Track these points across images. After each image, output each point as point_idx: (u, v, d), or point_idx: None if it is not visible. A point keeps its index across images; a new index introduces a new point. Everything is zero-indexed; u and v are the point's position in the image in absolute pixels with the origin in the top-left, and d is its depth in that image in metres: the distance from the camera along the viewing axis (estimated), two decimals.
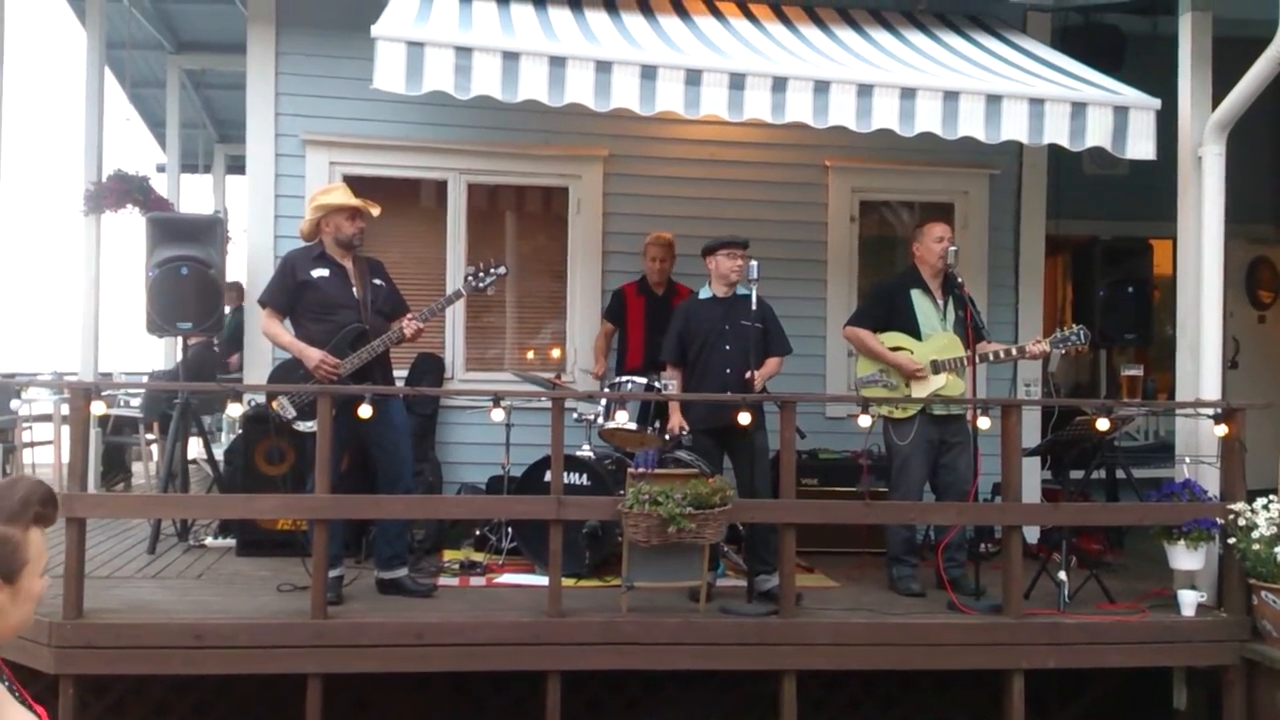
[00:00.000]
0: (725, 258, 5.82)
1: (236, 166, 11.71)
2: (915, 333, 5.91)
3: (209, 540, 6.67)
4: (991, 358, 5.93)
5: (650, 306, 6.84)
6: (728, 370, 5.72)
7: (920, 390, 5.82)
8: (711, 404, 5.60)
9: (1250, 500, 5.24)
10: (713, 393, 5.66)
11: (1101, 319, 7.49)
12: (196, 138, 11.93)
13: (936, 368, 5.84)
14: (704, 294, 5.99)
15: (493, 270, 5.56)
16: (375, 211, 5.56)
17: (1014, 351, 5.93)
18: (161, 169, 11.00)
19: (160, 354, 10.82)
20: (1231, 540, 5.21)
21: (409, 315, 5.53)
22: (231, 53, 8.31)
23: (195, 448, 7.67)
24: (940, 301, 5.97)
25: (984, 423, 5.57)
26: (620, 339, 7.03)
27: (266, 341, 5.84)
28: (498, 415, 5.33)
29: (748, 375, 5.49)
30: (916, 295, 5.96)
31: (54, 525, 2.01)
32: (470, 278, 5.59)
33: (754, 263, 5.55)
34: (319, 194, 5.67)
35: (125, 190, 7.72)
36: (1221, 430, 5.41)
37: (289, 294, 5.46)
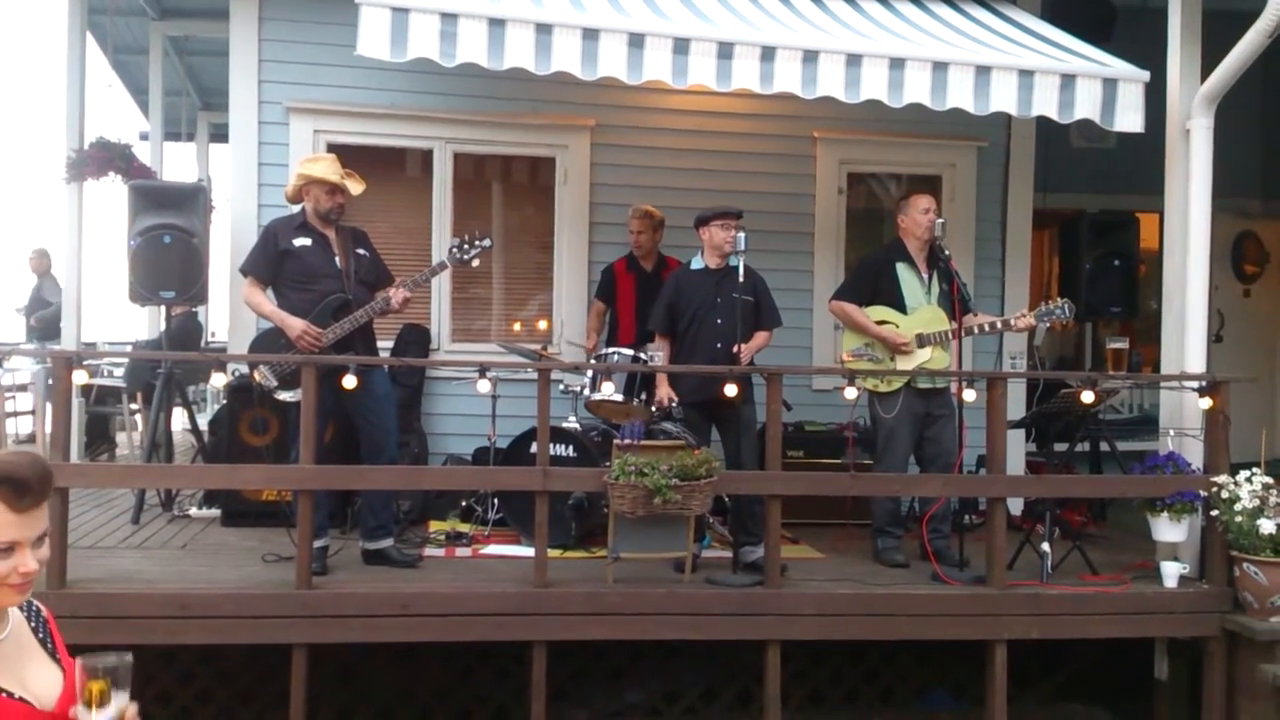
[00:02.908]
0: (719, 228, 5.75)
1: (220, 135, 11.60)
2: (900, 306, 5.90)
3: (193, 510, 6.65)
4: (977, 330, 5.93)
5: (640, 283, 6.79)
6: (718, 344, 5.66)
7: (905, 363, 5.83)
8: (701, 377, 5.58)
9: (1234, 473, 5.26)
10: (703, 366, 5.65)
11: (1087, 292, 7.50)
12: (179, 105, 11.80)
13: (922, 341, 5.84)
14: (695, 264, 5.94)
15: (477, 242, 5.52)
16: (356, 191, 5.49)
17: (999, 324, 5.94)
18: (144, 137, 10.89)
19: (144, 323, 10.76)
20: (1214, 512, 5.23)
21: (396, 283, 5.49)
22: (215, 19, 8.21)
23: (180, 418, 7.63)
24: (925, 275, 5.95)
25: (969, 395, 5.58)
26: (611, 317, 6.99)
27: (250, 310, 5.79)
28: (484, 386, 5.32)
29: (735, 349, 5.48)
30: (901, 269, 5.94)
31: (28, 510, 1.88)
32: (454, 250, 5.55)
33: (741, 234, 5.52)
34: (306, 160, 5.62)
35: (107, 158, 7.66)
36: (1206, 403, 5.43)
37: (271, 263, 5.42)
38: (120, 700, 1.96)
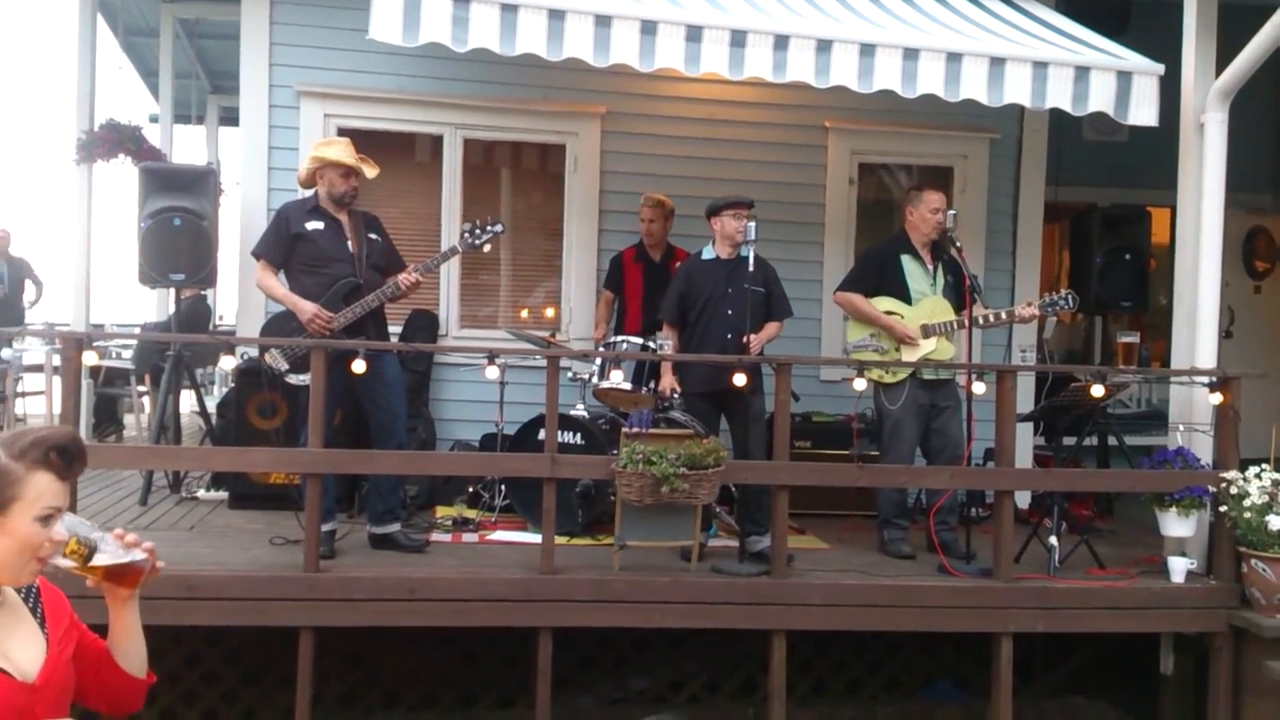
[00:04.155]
0: (731, 218, 5.74)
1: (230, 118, 11.60)
2: (905, 297, 5.89)
3: (201, 493, 6.67)
4: (982, 321, 5.90)
5: (648, 273, 6.78)
6: (729, 335, 5.67)
7: (911, 354, 5.81)
8: (711, 368, 5.57)
9: (1243, 469, 5.25)
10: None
11: (1098, 286, 7.48)
12: (190, 88, 11.80)
13: (927, 332, 5.83)
14: (707, 254, 5.93)
15: (489, 228, 5.50)
16: (370, 174, 5.49)
17: (1004, 315, 5.92)
18: (154, 119, 10.91)
19: (153, 306, 10.77)
20: (1223, 508, 5.23)
21: (409, 268, 5.48)
22: (226, 1, 8.20)
23: (188, 400, 7.65)
24: (930, 266, 5.94)
25: (979, 388, 5.56)
26: (619, 306, 6.98)
27: (260, 293, 5.79)
28: (492, 373, 5.31)
29: (745, 339, 5.47)
30: (906, 260, 5.92)
31: (72, 479, 1.98)
32: (466, 235, 5.53)
33: (751, 224, 5.51)
34: (320, 144, 5.61)
35: (117, 140, 7.68)
36: (1216, 398, 5.41)
37: (283, 246, 5.41)
38: (98, 535, 2.01)
